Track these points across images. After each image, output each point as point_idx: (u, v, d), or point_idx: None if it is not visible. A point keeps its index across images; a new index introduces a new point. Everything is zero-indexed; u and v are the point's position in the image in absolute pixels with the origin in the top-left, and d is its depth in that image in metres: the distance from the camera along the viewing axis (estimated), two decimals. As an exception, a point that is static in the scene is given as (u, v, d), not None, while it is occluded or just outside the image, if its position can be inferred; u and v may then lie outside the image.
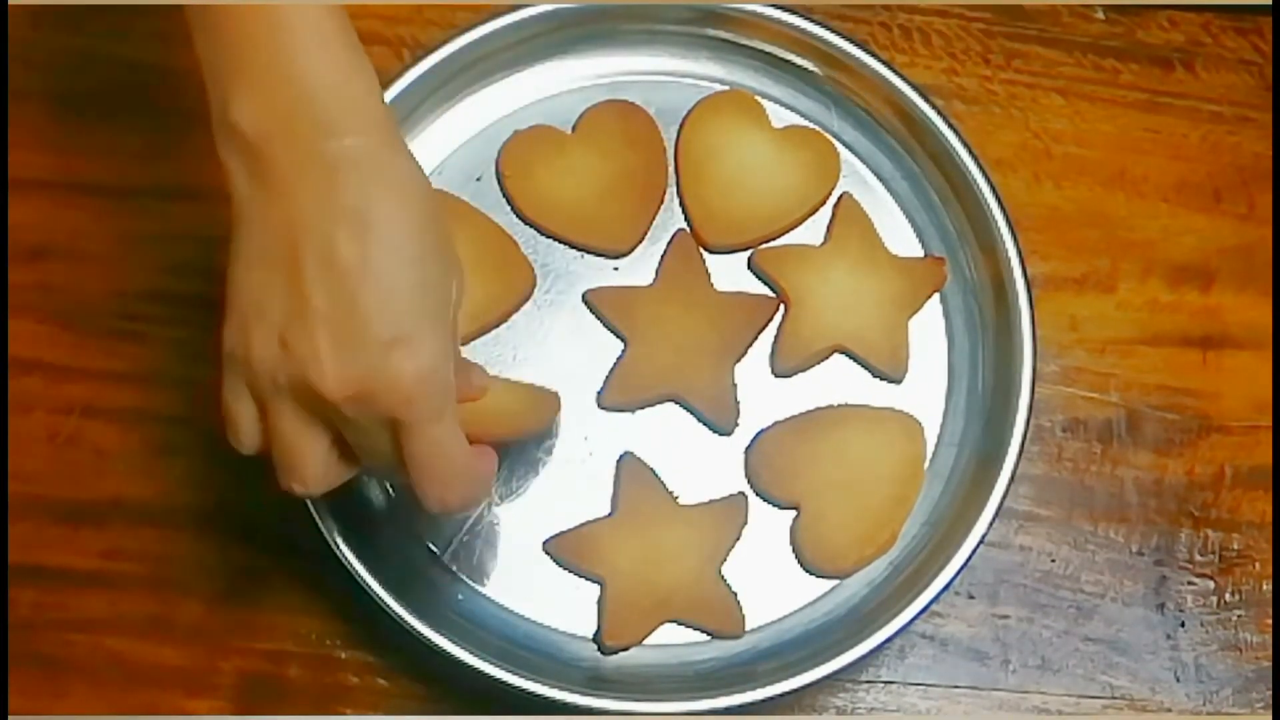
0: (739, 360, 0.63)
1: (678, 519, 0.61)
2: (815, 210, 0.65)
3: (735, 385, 0.63)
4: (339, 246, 0.48)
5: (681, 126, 0.66)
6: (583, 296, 0.64)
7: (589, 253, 0.64)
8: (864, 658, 0.57)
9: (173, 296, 0.65)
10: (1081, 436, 0.66)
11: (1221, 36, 0.71)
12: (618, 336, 0.63)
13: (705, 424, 0.62)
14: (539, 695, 0.56)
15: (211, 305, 0.65)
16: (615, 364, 0.63)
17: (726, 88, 0.67)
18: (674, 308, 0.63)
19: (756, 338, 0.63)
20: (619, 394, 0.62)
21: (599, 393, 0.63)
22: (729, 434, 0.62)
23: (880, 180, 0.66)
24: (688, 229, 0.65)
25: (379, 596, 0.57)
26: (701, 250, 0.64)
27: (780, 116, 0.67)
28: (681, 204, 0.65)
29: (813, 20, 0.66)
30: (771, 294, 0.64)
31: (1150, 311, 0.68)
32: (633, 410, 0.62)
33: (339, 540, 0.58)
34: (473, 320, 0.62)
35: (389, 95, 0.62)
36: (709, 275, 0.64)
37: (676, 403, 0.62)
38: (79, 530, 0.63)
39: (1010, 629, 0.63)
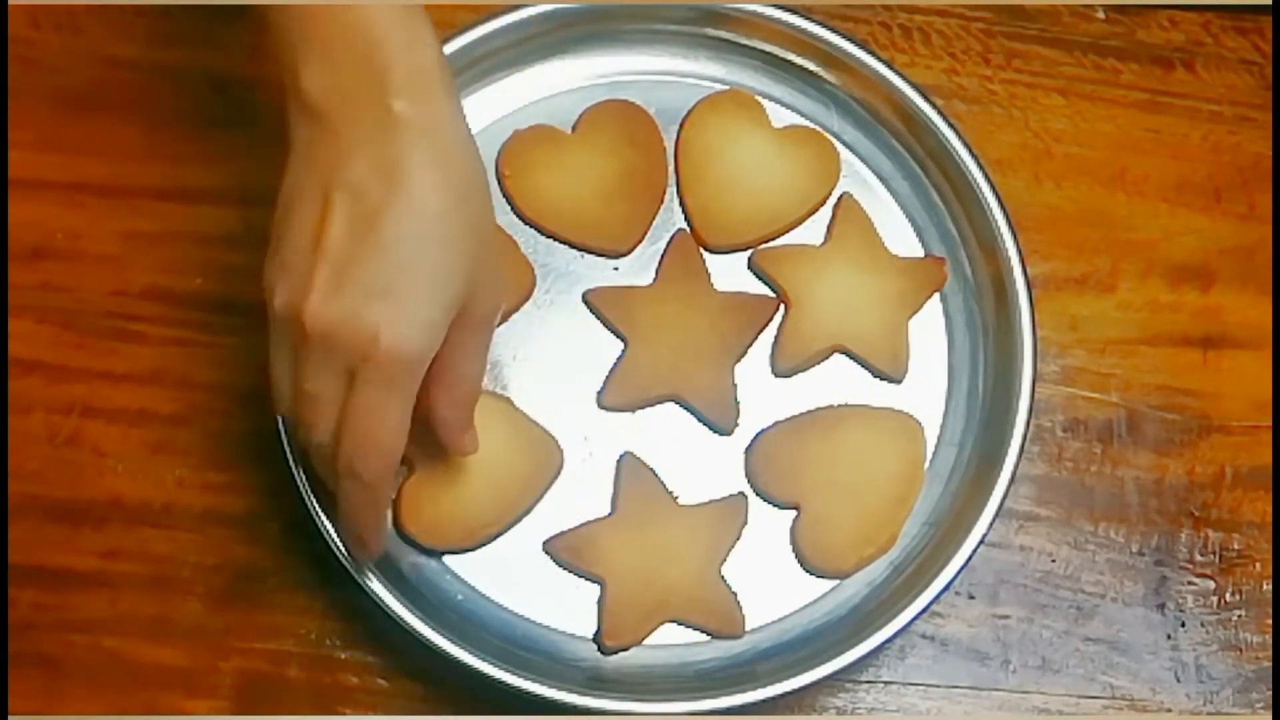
0: (739, 360, 0.63)
1: (678, 519, 0.61)
2: (815, 210, 0.65)
3: (735, 385, 0.62)
4: (368, 189, 0.49)
5: (681, 126, 0.66)
6: (583, 296, 0.64)
7: (589, 253, 0.64)
8: (864, 658, 0.57)
9: (173, 296, 0.65)
10: (1081, 436, 0.66)
11: (1222, 36, 0.71)
12: (618, 336, 0.63)
13: (705, 424, 0.62)
14: (539, 695, 0.56)
15: (211, 305, 0.65)
16: (615, 364, 0.63)
17: (726, 88, 0.67)
18: (674, 307, 0.63)
19: (756, 338, 0.63)
20: (619, 394, 0.62)
21: (599, 393, 0.62)
22: (729, 434, 0.62)
23: (880, 180, 0.66)
24: (688, 229, 0.65)
25: (379, 596, 0.57)
26: (701, 250, 0.64)
27: (780, 116, 0.67)
28: (681, 204, 0.65)
29: (813, 20, 0.66)
30: (771, 294, 0.64)
31: (1150, 311, 0.68)
32: (633, 410, 0.62)
33: (338, 540, 0.58)
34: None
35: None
36: (709, 275, 0.64)
37: (676, 403, 0.62)
38: (79, 530, 0.63)
39: (1010, 629, 0.63)
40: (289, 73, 0.51)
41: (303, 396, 0.51)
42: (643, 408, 0.62)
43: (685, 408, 0.62)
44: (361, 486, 0.52)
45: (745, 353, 0.63)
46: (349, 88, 0.50)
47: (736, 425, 0.62)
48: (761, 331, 0.63)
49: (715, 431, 0.62)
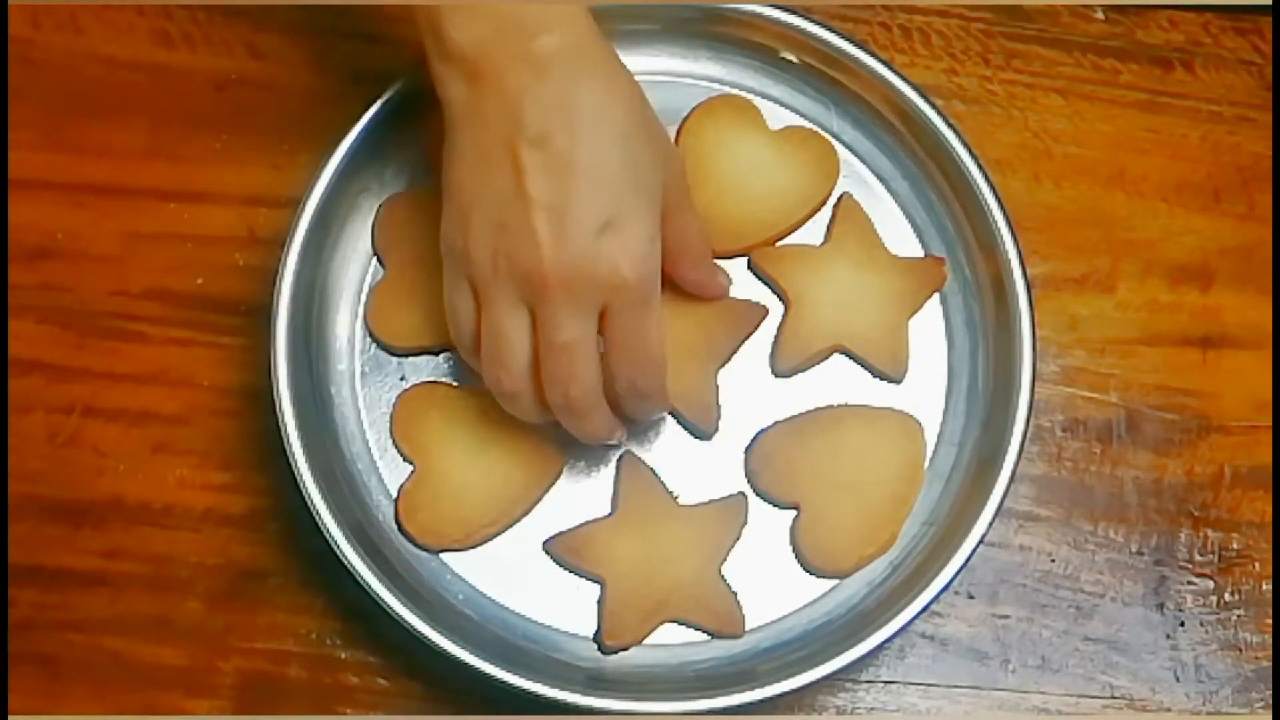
0: (723, 365, 0.63)
1: (678, 519, 0.61)
2: (815, 211, 0.65)
3: (718, 389, 0.62)
4: (553, 137, 0.51)
5: (678, 132, 0.66)
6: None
7: (589, 253, 0.64)
8: (864, 658, 0.57)
9: (173, 297, 0.65)
10: (1081, 436, 0.66)
11: (1221, 36, 0.71)
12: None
13: (685, 428, 0.62)
14: (539, 695, 0.56)
15: (212, 305, 0.65)
16: None
17: (725, 88, 0.67)
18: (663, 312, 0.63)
19: (742, 343, 0.63)
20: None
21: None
22: (709, 438, 0.62)
23: (880, 180, 0.66)
24: None
25: (379, 596, 0.57)
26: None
27: (780, 117, 0.67)
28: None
29: (813, 20, 0.65)
30: (757, 301, 0.64)
31: (1150, 311, 0.68)
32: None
33: (339, 540, 0.58)
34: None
35: (387, 95, 0.63)
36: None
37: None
38: (79, 530, 0.63)
39: (1010, 629, 0.63)
40: (430, 31, 0.53)
41: (557, 350, 0.53)
42: None
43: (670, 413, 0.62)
44: (640, 399, 0.57)
45: (730, 358, 0.63)
46: (495, 36, 0.52)
47: (716, 430, 0.62)
48: (748, 338, 0.63)
49: (696, 436, 0.62)
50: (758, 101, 0.67)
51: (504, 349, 0.54)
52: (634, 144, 0.53)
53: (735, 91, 0.67)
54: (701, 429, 0.62)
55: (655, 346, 0.55)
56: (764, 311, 0.64)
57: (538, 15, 0.52)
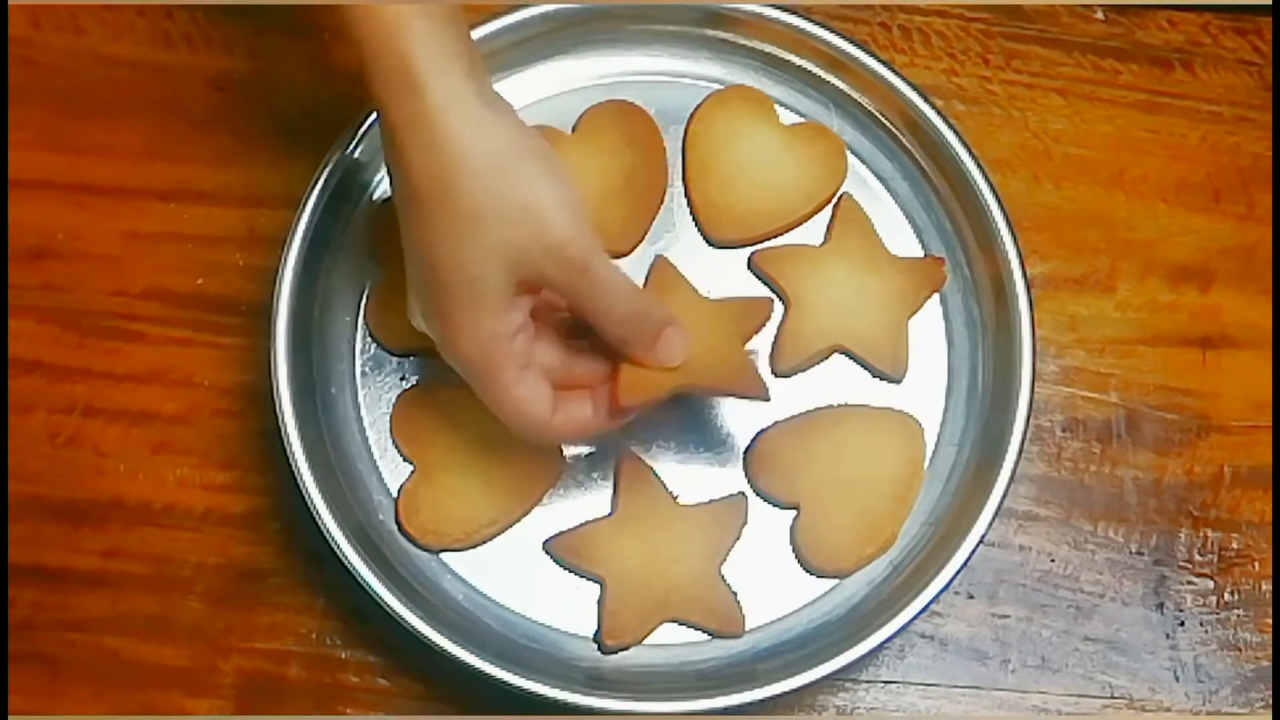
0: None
1: (678, 519, 0.61)
2: (822, 206, 0.65)
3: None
4: (401, 206, 0.54)
5: (689, 121, 0.66)
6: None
7: (589, 253, 0.64)
8: (864, 658, 0.57)
9: (174, 297, 0.65)
10: (1081, 436, 0.66)
11: (1221, 37, 0.71)
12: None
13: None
14: (539, 695, 0.56)
15: (212, 305, 0.65)
16: None
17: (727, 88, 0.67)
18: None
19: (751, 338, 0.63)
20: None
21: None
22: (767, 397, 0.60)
23: (880, 180, 0.66)
24: (687, 227, 0.65)
25: (379, 596, 0.57)
26: (706, 241, 0.64)
27: (780, 117, 0.67)
28: (687, 197, 0.65)
29: (813, 20, 0.66)
30: (760, 298, 0.63)
31: (1149, 311, 0.68)
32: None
33: (339, 540, 0.58)
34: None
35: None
36: (692, 287, 0.63)
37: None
38: (79, 530, 0.63)
39: (1010, 629, 0.63)
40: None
41: (500, 410, 0.55)
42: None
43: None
44: (570, 436, 0.58)
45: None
46: (385, 83, 0.51)
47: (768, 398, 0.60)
48: (753, 336, 0.63)
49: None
50: (758, 101, 0.67)
51: (512, 417, 0.55)
52: (460, 230, 0.51)
53: (739, 90, 0.67)
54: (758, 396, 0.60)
55: (535, 406, 0.55)
56: (770, 304, 0.62)
57: (382, 79, 0.51)
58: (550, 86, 0.67)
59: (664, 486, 0.62)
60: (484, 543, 0.61)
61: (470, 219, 0.51)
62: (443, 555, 0.61)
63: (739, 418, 0.63)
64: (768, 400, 0.59)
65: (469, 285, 0.52)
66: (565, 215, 0.52)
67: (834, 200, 0.66)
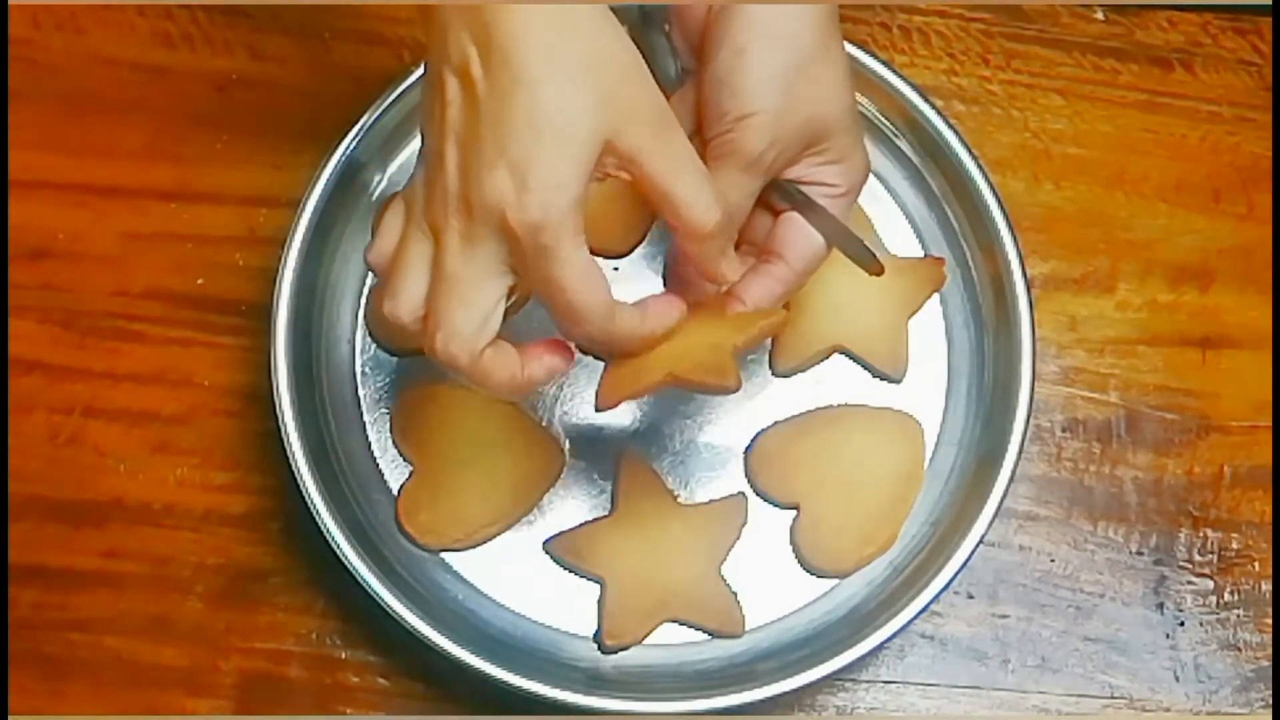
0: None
1: (678, 519, 0.61)
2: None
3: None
4: (468, 59, 0.48)
5: None
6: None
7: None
8: (864, 658, 0.57)
9: (174, 297, 0.65)
10: (1081, 436, 0.66)
11: (1221, 37, 0.71)
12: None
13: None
14: (539, 695, 0.56)
15: (212, 305, 0.65)
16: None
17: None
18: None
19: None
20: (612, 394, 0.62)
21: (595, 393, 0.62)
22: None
23: (880, 180, 0.66)
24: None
25: (379, 596, 0.57)
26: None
27: (780, 117, 0.67)
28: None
29: (812, 20, 0.65)
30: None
31: (1149, 311, 0.68)
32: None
33: (339, 540, 0.58)
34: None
35: (390, 96, 0.62)
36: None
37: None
38: (79, 530, 0.63)
39: (1010, 629, 0.64)
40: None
41: (437, 283, 0.49)
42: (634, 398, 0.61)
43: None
44: (595, 345, 0.54)
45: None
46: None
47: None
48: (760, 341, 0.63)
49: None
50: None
51: (395, 274, 0.50)
52: (559, 79, 0.48)
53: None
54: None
55: (577, 295, 0.49)
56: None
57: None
58: (550, 86, 0.67)
59: (664, 486, 0.62)
60: (484, 543, 0.61)
61: (578, 71, 0.48)
62: (443, 555, 0.61)
63: (739, 418, 0.63)
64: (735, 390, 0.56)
65: (557, 133, 0.48)
66: (655, 89, 0.50)
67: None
